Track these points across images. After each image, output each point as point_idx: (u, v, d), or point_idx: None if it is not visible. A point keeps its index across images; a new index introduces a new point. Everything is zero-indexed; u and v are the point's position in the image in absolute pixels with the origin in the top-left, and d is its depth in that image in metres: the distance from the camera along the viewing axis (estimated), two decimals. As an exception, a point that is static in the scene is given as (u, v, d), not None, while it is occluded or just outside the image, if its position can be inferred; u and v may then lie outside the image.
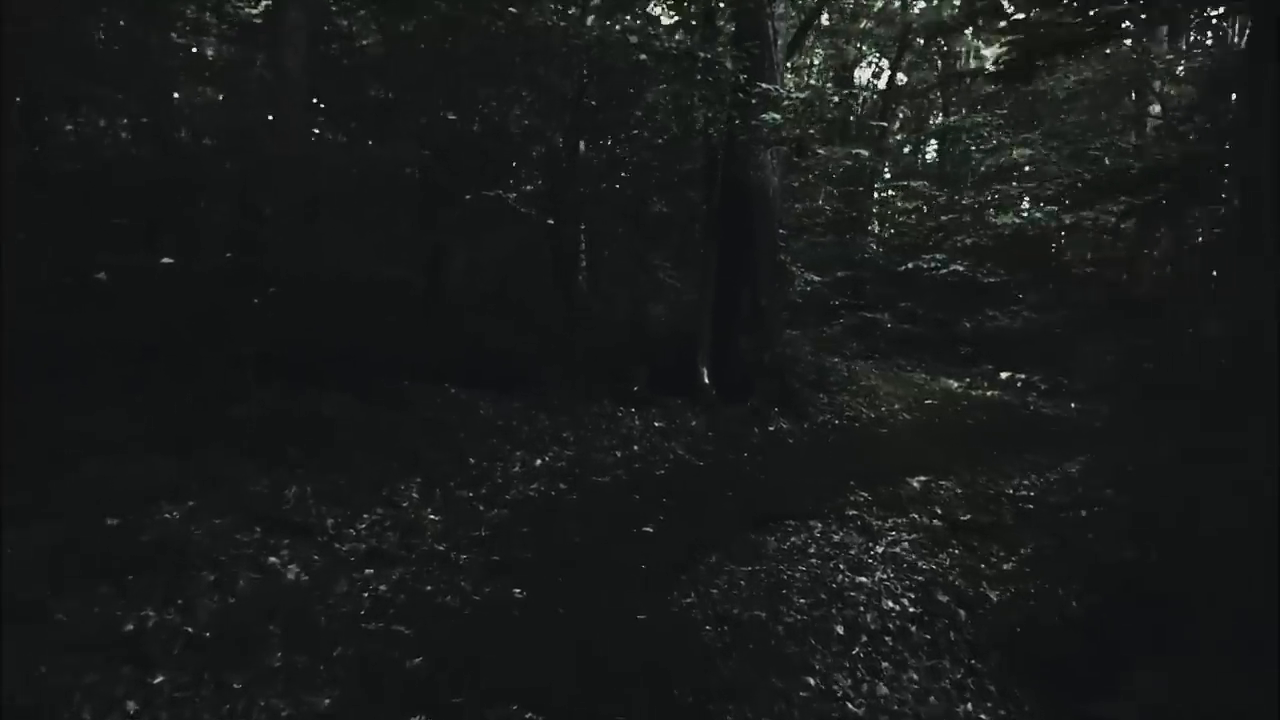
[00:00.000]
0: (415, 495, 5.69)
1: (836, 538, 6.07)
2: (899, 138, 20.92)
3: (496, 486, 6.25)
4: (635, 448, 7.83)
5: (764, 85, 8.30)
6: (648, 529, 5.88)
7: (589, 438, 7.85)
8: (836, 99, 9.33)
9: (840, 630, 4.51)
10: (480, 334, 9.56)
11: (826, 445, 8.90)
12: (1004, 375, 14.18)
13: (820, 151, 13.92)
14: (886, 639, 4.49)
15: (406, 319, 9.37)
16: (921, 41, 19.47)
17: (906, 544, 6.04)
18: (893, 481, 7.55)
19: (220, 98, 10.41)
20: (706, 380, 9.50)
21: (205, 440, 5.50)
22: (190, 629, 3.49)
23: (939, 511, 6.78)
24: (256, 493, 4.99)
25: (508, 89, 9.76)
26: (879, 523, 6.43)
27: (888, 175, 19.94)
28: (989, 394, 13.10)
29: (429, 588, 4.32)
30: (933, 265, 15.57)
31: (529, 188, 10.88)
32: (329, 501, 5.17)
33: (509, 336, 9.68)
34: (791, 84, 11.93)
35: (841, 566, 5.48)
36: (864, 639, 4.44)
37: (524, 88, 9.60)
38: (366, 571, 4.39)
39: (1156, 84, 12.94)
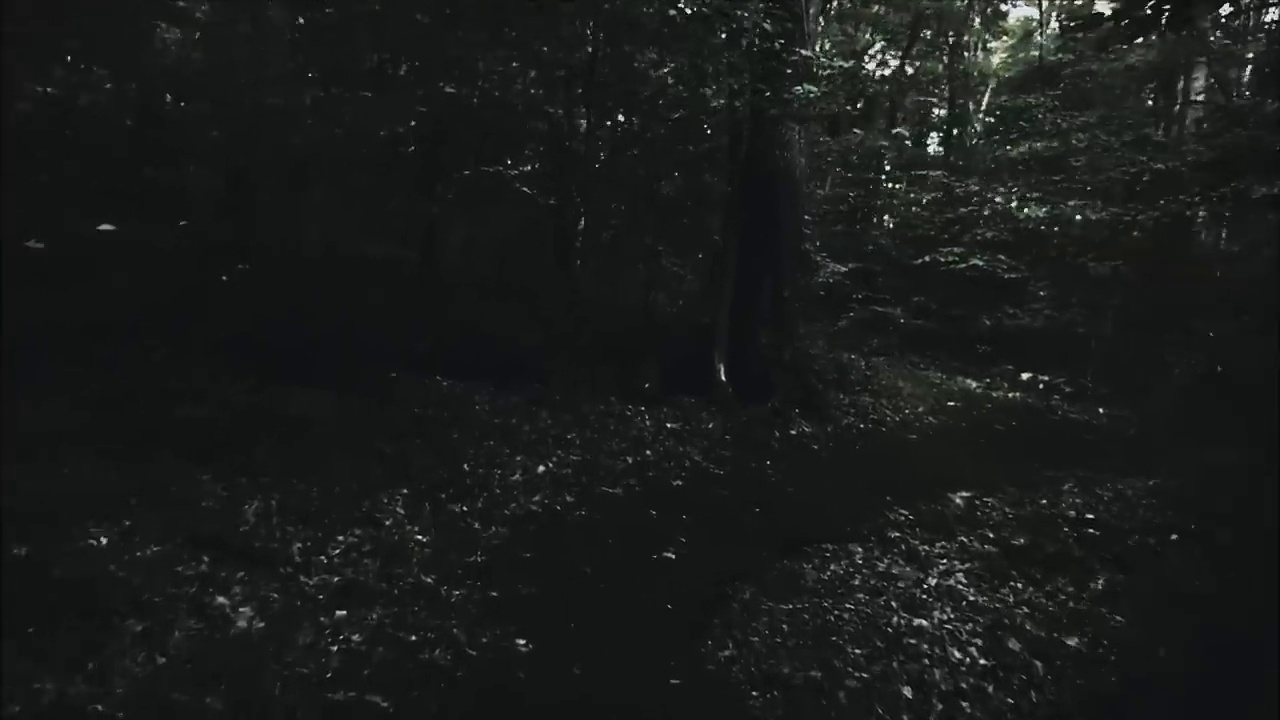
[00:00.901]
0: (400, 510, 4.88)
1: (881, 566, 5.39)
2: (901, 129, 20.15)
3: (494, 498, 5.44)
4: (647, 453, 7.04)
5: (803, 52, 7.41)
6: (669, 554, 5.12)
7: (596, 440, 7.04)
8: (885, 72, 8.42)
9: (908, 693, 3.78)
10: (476, 318, 8.75)
11: (854, 452, 8.14)
12: (1025, 376, 13.49)
13: (857, 131, 12.99)
14: (963, 704, 3.79)
15: (397, 299, 8.53)
16: (928, 34, 18.65)
17: (961, 575, 5.36)
18: (932, 497, 6.90)
19: (202, 56, 9.51)
20: (723, 377, 8.65)
21: (153, 442, 4.65)
22: (101, 706, 2.67)
23: (991, 535, 6.09)
24: (208, 510, 4.15)
25: (512, 52, 8.87)
26: (926, 548, 5.75)
27: (887, 167, 19.17)
28: (1010, 396, 12.43)
29: (413, 637, 3.50)
30: (950, 259, 14.75)
31: (529, 168, 10.00)
32: (297, 519, 4.34)
33: (507, 321, 8.86)
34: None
35: (894, 604, 4.79)
36: (938, 706, 3.71)
37: (530, 51, 8.71)
38: (337, 614, 3.56)
39: (1203, 70, 12.12)
